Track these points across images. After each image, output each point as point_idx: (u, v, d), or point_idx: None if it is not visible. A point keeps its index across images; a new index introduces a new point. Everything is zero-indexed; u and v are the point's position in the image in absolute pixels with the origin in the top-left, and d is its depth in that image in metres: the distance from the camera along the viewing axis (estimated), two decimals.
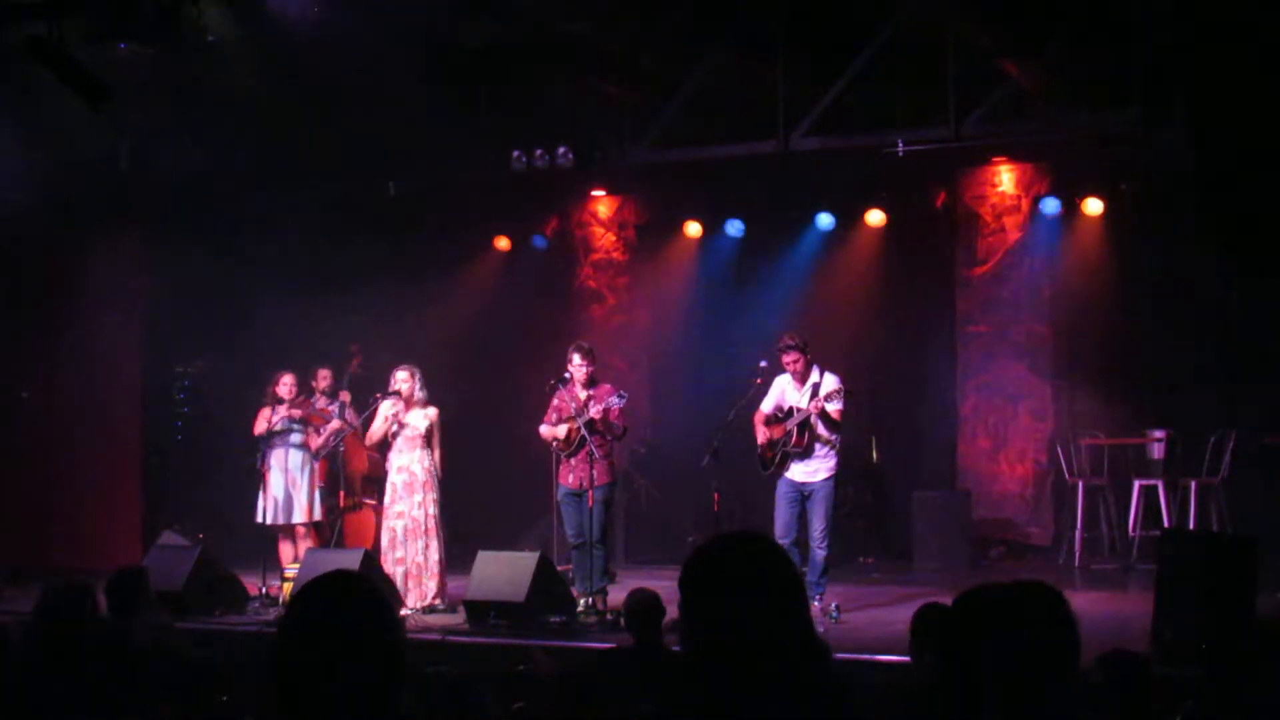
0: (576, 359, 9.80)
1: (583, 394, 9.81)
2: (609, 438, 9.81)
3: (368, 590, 2.53)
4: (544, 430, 9.98)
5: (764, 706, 2.32)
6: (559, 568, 10.01)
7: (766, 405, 9.74)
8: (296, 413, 10.87)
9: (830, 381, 9.51)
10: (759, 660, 2.33)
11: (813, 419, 9.44)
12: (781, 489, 9.58)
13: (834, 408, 9.41)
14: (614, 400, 9.64)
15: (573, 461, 9.82)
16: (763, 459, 9.66)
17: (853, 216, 13.20)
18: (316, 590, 2.53)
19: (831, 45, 10.55)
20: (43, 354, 12.44)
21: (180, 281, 12.57)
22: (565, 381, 9.94)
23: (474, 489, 12.97)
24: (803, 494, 9.51)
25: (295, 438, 10.89)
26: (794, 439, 9.46)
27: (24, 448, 12.50)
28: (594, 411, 9.63)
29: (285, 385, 10.87)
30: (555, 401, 9.94)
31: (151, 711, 4.75)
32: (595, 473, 9.68)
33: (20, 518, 12.25)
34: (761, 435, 9.63)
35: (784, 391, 9.71)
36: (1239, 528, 10.83)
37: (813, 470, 9.53)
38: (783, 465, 9.56)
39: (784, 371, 9.67)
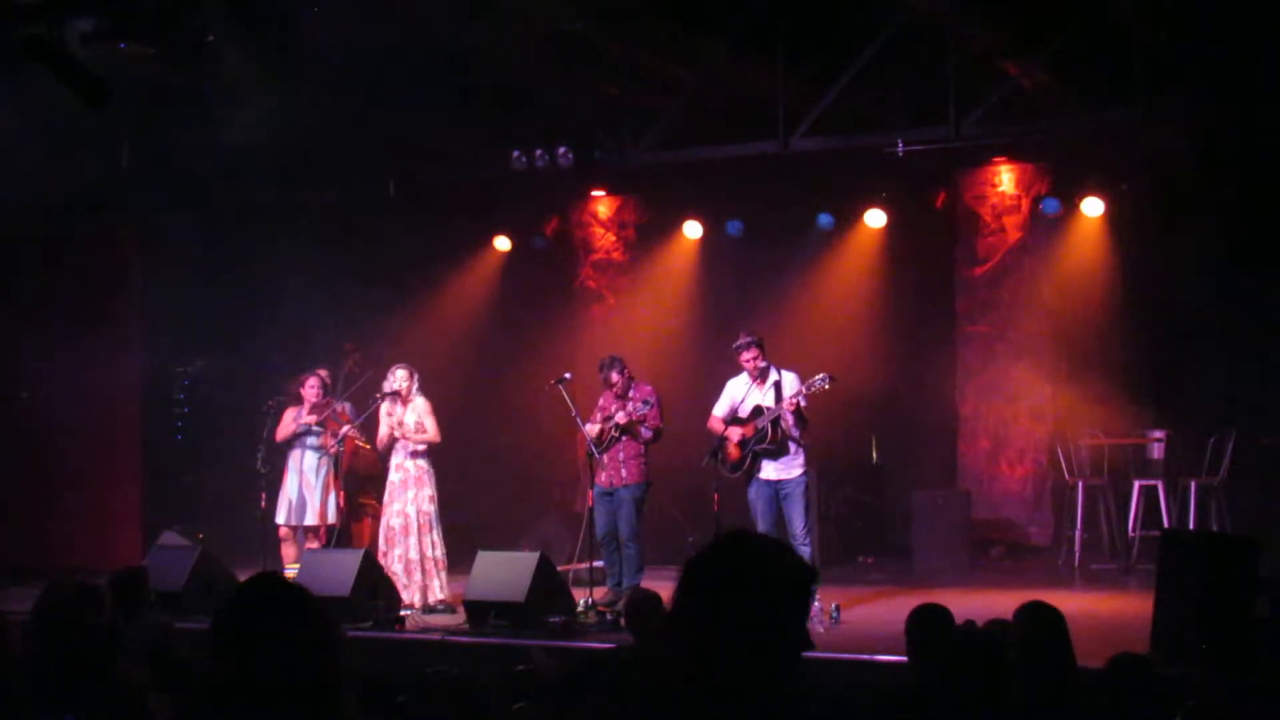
0: (613, 376, 10.16)
1: (615, 402, 10.17)
2: (639, 440, 10.10)
3: (292, 591, 2.63)
4: (587, 429, 10.17)
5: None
6: (560, 568, 10.03)
7: (720, 409, 9.76)
8: (313, 419, 10.87)
9: (791, 379, 9.55)
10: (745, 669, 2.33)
11: (784, 415, 9.44)
12: (757, 491, 9.57)
13: (801, 403, 9.45)
14: (640, 406, 10.02)
15: (605, 459, 10.04)
16: (729, 462, 9.66)
17: (853, 216, 13.19)
18: (243, 593, 2.66)
19: (831, 45, 10.56)
20: (42, 354, 12.43)
21: (180, 281, 12.57)
22: (565, 381, 10.22)
23: (474, 489, 12.98)
24: (778, 493, 9.51)
25: (312, 439, 10.90)
26: (769, 436, 9.46)
27: (24, 448, 12.49)
28: (619, 416, 9.99)
29: (311, 388, 10.90)
30: (600, 402, 10.32)
31: (151, 712, 4.75)
32: (625, 472, 10.05)
33: (20, 518, 12.25)
34: (735, 434, 9.62)
35: (740, 393, 9.71)
36: (1239, 528, 10.82)
37: (785, 468, 9.53)
38: (754, 465, 9.55)
39: (739, 373, 9.69)
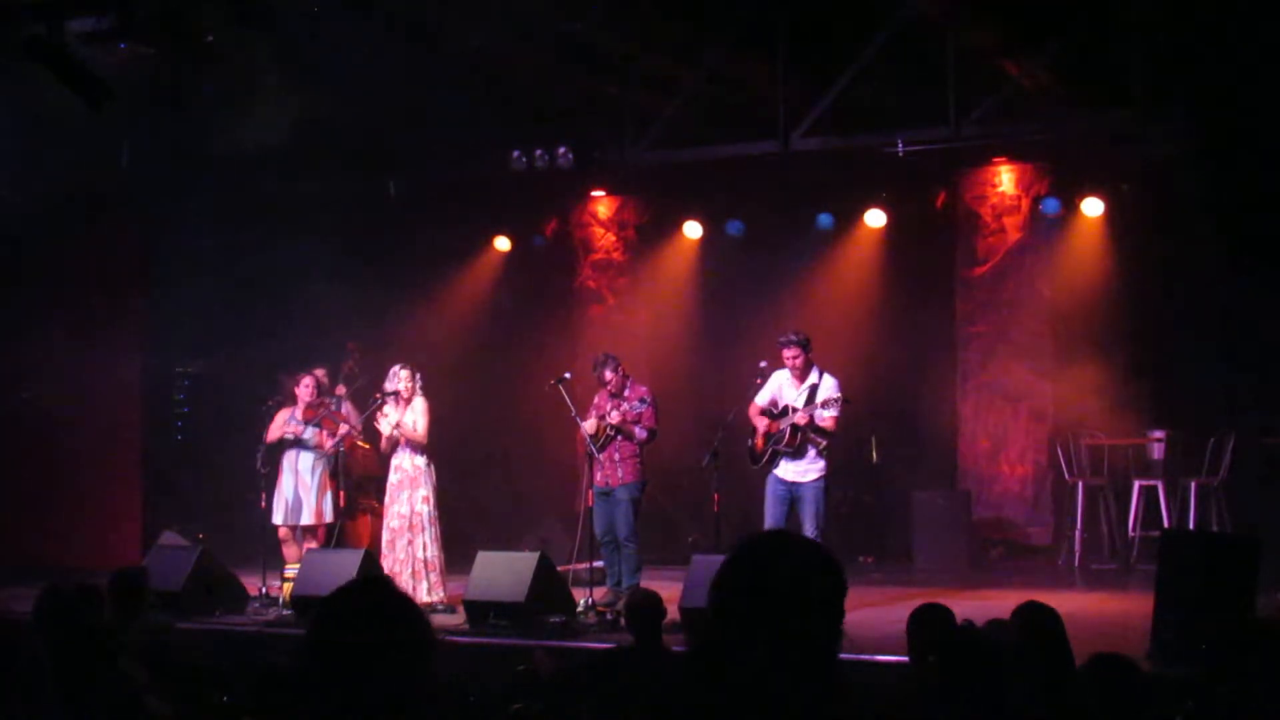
0: (607, 374, 10.11)
1: (610, 401, 10.12)
2: (634, 441, 10.05)
3: (398, 593, 2.60)
4: (584, 426, 10.15)
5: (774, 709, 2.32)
6: (560, 568, 10.02)
7: (761, 398, 9.75)
8: (299, 430, 10.83)
9: (828, 386, 9.49)
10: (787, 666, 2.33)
11: (801, 425, 9.44)
12: (772, 487, 9.58)
13: (829, 415, 9.40)
14: (636, 405, 10.00)
15: (601, 458, 10.04)
16: (753, 452, 9.68)
17: (853, 216, 13.20)
18: (351, 594, 2.58)
19: (832, 45, 10.55)
20: (42, 354, 12.43)
21: (180, 281, 12.56)
22: (565, 381, 10.22)
23: (474, 489, 12.98)
24: (792, 493, 9.51)
25: (309, 437, 10.87)
26: (787, 438, 9.46)
27: (24, 448, 12.49)
28: (613, 417, 9.96)
29: (305, 387, 10.86)
30: (595, 400, 10.27)
31: (151, 712, 4.75)
32: (621, 472, 10.02)
33: (20, 518, 12.25)
34: (761, 426, 9.64)
35: (781, 387, 9.71)
36: (1239, 528, 10.83)
37: (803, 471, 9.51)
38: (772, 462, 9.56)
39: (783, 367, 9.68)
